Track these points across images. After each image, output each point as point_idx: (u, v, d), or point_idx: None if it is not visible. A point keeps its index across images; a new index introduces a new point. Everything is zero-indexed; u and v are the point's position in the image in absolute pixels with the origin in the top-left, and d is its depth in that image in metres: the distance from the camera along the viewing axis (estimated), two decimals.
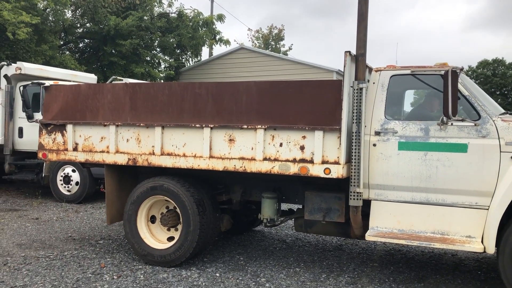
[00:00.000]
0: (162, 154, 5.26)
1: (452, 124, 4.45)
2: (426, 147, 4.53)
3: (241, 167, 4.92)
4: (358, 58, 4.65)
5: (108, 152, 5.54)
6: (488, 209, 4.33)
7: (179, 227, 5.40)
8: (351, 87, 4.61)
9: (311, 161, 4.64)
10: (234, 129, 4.96)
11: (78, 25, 18.98)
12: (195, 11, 19.67)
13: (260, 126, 4.81)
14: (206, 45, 20.96)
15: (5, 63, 9.83)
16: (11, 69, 9.69)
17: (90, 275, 5.05)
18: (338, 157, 4.55)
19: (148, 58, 19.58)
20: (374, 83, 4.81)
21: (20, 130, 9.73)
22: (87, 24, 18.65)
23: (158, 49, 20.17)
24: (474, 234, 4.38)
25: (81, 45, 19.77)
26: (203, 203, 5.29)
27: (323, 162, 4.59)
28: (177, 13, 19.66)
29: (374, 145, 4.70)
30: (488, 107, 4.53)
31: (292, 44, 46.00)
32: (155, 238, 5.54)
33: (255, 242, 6.63)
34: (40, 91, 9.35)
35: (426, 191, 4.55)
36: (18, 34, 13.19)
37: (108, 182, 5.81)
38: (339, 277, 5.15)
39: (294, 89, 4.81)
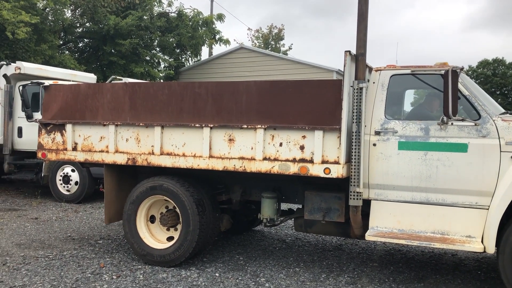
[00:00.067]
0: (161, 154, 5.25)
1: (452, 124, 4.44)
2: (426, 147, 4.52)
3: (240, 167, 4.91)
4: (358, 58, 4.64)
5: (107, 151, 5.53)
6: (488, 209, 4.32)
7: (179, 227, 5.40)
8: (351, 86, 4.60)
9: (311, 161, 4.63)
10: (234, 128, 4.95)
11: (78, 25, 18.96)
12: (195, 10, 19.68)
13: (260, 126, 4.80)
14: (206, 45, 20.96)
15: (5, 62, 9.82)
16: (10, 69, 9.68)
17: (89, 275, 5.04)
18: (338, 157, 4.54)
19: (148, 58, 19.55)
20: (374, 82, 4.80)
21: (20, 129, 9.72)
22: (87, 24, 18.63)
23: (157, 49, 20.15)
24: (474, 234, 4.37)
25: (80, 44, 19.75)
26: (203, 203, 5.28)
27: (323, 162, 4.58)
28: (176, 12, 19.65)
29: (374, 144, 4.69)
30: (488, 107, 4.52)
31: (292, 44, 45.92)
32: (155, 238, 5.53)
33: (255, 242, 6.62)
34: (39, 90, 9.34)
35: (426, 191, 4.54)
36: (17, 33, 13.16)
37: (107, 181, 5.80)
38: (339, 277, 5.14)
39: (294, 88, 4.80)
